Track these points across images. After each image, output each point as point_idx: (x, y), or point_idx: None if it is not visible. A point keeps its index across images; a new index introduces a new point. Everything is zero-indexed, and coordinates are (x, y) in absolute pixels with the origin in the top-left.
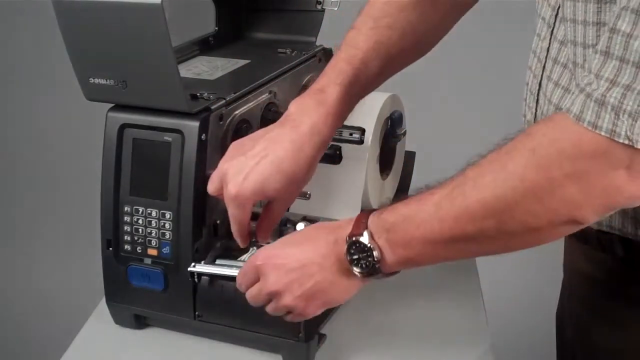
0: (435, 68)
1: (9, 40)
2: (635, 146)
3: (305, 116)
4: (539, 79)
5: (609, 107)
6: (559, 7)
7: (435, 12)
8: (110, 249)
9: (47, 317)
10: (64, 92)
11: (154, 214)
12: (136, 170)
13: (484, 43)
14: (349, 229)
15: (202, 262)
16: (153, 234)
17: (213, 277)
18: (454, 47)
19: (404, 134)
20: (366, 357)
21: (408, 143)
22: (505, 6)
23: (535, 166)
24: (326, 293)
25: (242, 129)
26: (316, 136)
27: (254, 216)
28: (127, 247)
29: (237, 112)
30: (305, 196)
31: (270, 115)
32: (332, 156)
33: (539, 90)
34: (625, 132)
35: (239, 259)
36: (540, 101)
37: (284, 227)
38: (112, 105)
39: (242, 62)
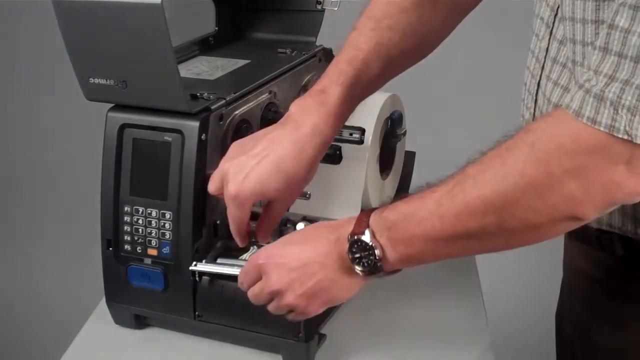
0: (435, 68)
1: (9, 40)
2: (635, 141)
3: (306, 117)
4: (538, 78)
5: (608, 103)
6: (558, 7)
7: (435, 14)
8: (110, 249)
9: (47, 317)
10: (64, 92)
11: (154, 214)
12: (136, 170)
13: (484, 43)
14: (350, 228)
15: (204, 261)
16: (153, 234)
17: (214, 276)
18: (454, 47)
19: (404, 134)
20: (366, 357)
21: (408, 143)
22: (506, 6)
23: (534, 162)
24: (328, 292)
25: (242, 129)
26: (317, 137)
27: (254, 216)
28: (127, 247)
29: (237, 112)
30: (305, 196)
31: (270, 115)
32: (332, 156)
33: (537, 90)
34: (624, 127)
35: (240, 257)
36: (539, 101)
37: (284, 227)
38: (112, 105)
39: (242, 62)
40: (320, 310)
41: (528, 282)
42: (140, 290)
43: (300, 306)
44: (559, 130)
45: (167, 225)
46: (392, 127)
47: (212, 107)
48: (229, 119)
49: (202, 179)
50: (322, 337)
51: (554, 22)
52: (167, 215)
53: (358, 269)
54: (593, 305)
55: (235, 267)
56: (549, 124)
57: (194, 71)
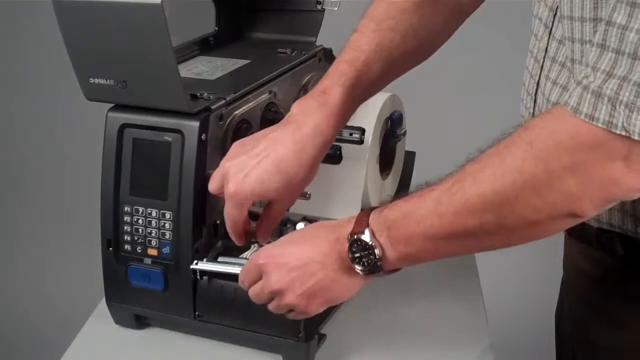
0: (435, 68)
1: (10, 40)
2: (632, 137)
3: (307, 117)
4: (537, 78)
5: (606, 99)
6: (557, 7)
7: (436, 15)
8: (110, 249)
9: (47, 317)
10: (64, 92)
11: (154, 214)
12: (136, 170)
13: (484, 43)
14: (350, 227)
15: (205, 259)
16: (153, 234)
17: (215, 274)
18: (454, 48)
19: (404, 134)
20: (366, 357)
21: (408, 143)
22: (506, 6)
23: (533, 159)
24: (328, 291)
25: (242, 129)
26: (318, 137)
27: (254, 216)
28: (127, 247)
29: (237, 112)
30: (305, 196)
31: (270, 115)
32: (332, 156)
33: (536, 89)
34: (622, 123)
35: (241, 256)
36: (538, 100)
37: (284, 227)
38: (112, 105)
39: (242, 62)
40: (321, 310)
41: (528, 282)
42: (140, 290)
43: (301, 306)
44: (557, 127)
45: (167, 225)
46: (392, 127)
47: (212, 107)
48: (229, 119)
49: (202, 179)
50: (322, 337)
51: (553, 22)
52: (167, 215)
53: (358, 268)
54: (592, 305)
55: (236, 266)
56: (547, 121)
57: (194, 71)
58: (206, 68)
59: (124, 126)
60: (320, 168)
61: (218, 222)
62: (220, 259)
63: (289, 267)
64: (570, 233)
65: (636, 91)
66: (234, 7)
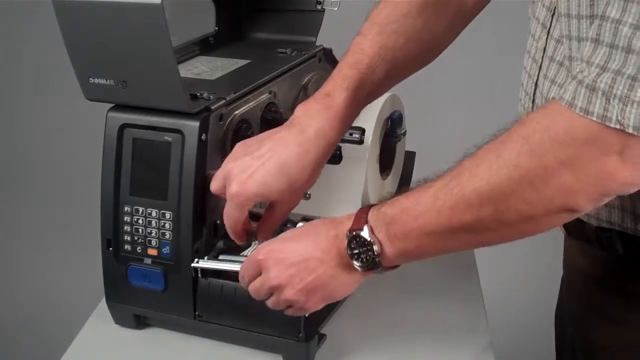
0: (435, 68)
1: (9, 40)
2: (627, 130)
3: (311, 120)
4: (535, 78)
5: (600, 93)
6: (554, 7)
7: (440, 19)
8: (110, 249)
9: (47, 317)
10: (64, 92)
11: (154, 214)
12: (136, 170)
13: (484, 43)
14: (349, 224)
15: (205, 257)
16: (153, 234)
17: (216, 272)
18: (455, 48)
19: (404, 134)
20: (366, 357)
21: (408, 143)
22: (506, 7)
23: (529, 153)
24: (326, 287)
25: (242, 129)
26: (322, 140)
27: (255, 217)
28: (127, 247)
29: (237, 112)
30: (305, 196)
31: (270, 115)
32: (332, 156)
33: (534, 89)
34: (616, 116)
35: (241, 254)
36: (537, 100)
37: (284, 227)
38: (112, 105)
39: (242, 62)
40: (319, 306)
41: (528, 281)
42: (140, 290)
43: (299, 301)
44: (553, 122)
45: (167, 225)
46: (392, 127)
47: (212, 107)
48: (229, 119)
49: (202, 178)
50: (322, 337)
51: (551, 22)
52: (167, 215)
53: (357, 264)
54: (592, 304)
55: (237, 264)
56: (543, 116)
57: (194, 71)
58: (206, 68)
59: (124, 126)
60: None
61: (218, 222)
62: (221, 257)
63: (288, 262)
64: (570, 232)
65: (630, 84)
66: (234, 7)
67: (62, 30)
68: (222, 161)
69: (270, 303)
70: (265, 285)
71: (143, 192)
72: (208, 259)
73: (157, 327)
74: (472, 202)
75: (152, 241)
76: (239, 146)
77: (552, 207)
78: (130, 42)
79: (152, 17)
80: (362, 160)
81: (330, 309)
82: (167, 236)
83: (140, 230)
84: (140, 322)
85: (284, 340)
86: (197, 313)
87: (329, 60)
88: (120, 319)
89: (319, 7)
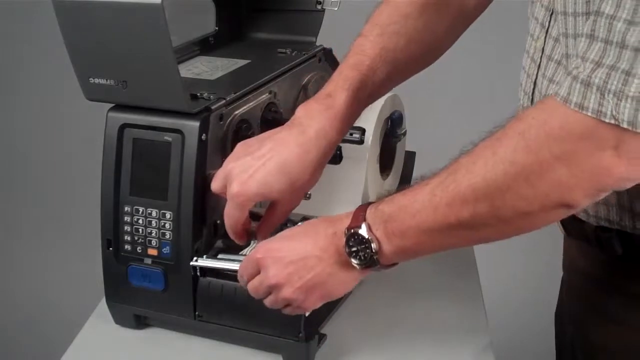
0: (435, 68)
1: (9, 40)
2: (621, 125)
3: (312, 120)
4: (534, 78)
5: (594, 88)
6: (552, 7)
7: (441, 20)
8: (111, 249)
9: (47, 317)
10: (64, 92)
11: (154, 214)
12: (136, 170)
13: (484, 43)
14: (347, 222)
15: (204, 256)
16: (153, 234)
17: (215, 271)
18: (455, 48)
19: (404, 134)
20: (366, 357)
21: (408, 143)
22: (506, 7)
23: (524, 149)
24: (325, 285)
25: (242, 129)
26: (323, 140)
27: (256, 217)
28: (127, 247)
29: (237, 112)
30: (305, 196)
31: (270, 115)
32: (333, 156)
33: (533, 89)
34: (611, 111)
35: (240, 252)
36: (536, 100)
37: (284, 226)
38: (112, 105)
39: (242, 62)
40: (318, 305)
41: (528, 282)
42: (141, 290)
43: (298, 300)
44: (548, 117)
45: (167, 225)
46: (392, 127)
47: (212, 107)
48: (229, 119)
49: (202, 178)
50: (322, 337)
51: (549, 21)
52: (167, 215)
53: (355, 262)
54: (592, 304)
55: (236, 263)
56: (538, 112)
57: (194, 71)
58: (206, 68)
59: (124, 126)
60: None
61: (218, 221)
62: (220, 256)
63: (286, 261)
64: (569, 232)
65: (624, 79)
66: (234, 7)
67: (62, 30)
68: (222, 161)
69: (268, 302)
70: (263, 283)
71: (143, 192)
72: (207, 257)
73: (157, 327)
74: (468, 198)
75: (152, 241)
76: (240, 146)
77: (548, 202)
78: (130, 42)
79: (152, 17)
80: (362, 160)
81: (330, 309)
82: (167, 236)
83: (140, 230)
84: (140, 322)
85: (284, 340)
86: (197, 313)
87: (329, 60)
88: (120, 319)
89: (319, 7)
